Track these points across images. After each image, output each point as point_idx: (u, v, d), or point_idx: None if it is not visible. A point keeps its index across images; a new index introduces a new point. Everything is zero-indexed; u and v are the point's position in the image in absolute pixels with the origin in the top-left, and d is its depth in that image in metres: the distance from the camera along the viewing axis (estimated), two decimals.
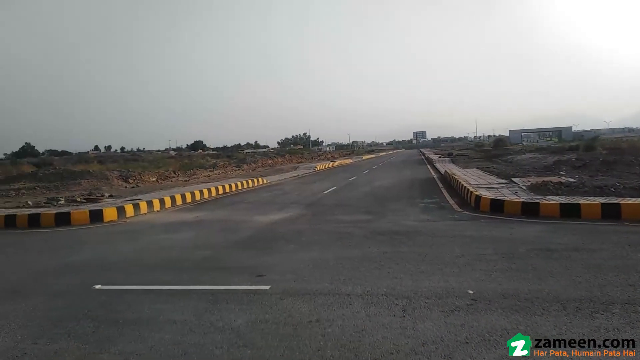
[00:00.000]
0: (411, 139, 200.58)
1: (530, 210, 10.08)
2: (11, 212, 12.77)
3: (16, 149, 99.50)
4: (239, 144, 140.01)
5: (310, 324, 4.27)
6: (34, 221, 11.74)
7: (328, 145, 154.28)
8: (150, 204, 13.87)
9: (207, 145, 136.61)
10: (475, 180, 16.45)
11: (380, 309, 4.60)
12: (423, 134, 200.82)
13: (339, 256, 6.92)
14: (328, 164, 44.05)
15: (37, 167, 32.00)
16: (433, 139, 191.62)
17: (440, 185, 18.61)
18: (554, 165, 20.56)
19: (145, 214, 13.19)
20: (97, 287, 5.82)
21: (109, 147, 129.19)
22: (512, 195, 11.73)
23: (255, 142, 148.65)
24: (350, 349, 3.70)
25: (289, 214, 11.93)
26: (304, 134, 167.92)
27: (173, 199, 15.15)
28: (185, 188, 18.98)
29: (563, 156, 25.34)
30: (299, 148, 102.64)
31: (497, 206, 10.78)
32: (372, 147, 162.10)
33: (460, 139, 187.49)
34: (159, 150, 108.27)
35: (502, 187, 13.60)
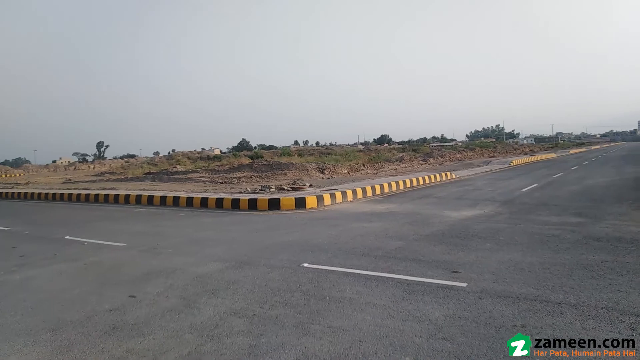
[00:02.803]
0: (635, 130, 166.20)
1: None
2: (235, 196, 15.36)
3: (235, 143, 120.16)
4: (424, 137, 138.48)
5: (515, 328, 4.00)
6: (252, 204, 13.91)
7: (525, 137, 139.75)
8: (344, 194, 14.91)
9: (393, 139, 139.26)
10: None
11: (601, 324, 4.02)
12: None
13: (545, 261, 6.25)
14: (526, 159, 39.90)
15: (252, 159, 37.55)
16: None
17: None
18: None
19: (339, 203, 14.24)
20: (306, 265, 6.58)
21: (306, 142, 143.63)
22: None
23: (442, 135, 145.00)
24: None
25: (483, 210, 11.28)
26: (497, 125, 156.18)
27: (364, 190, 15.95)
28: (374, 180, 19.74)
29: None
30: (491, 141, 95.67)
31: None
32: (582, 140, 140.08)
33: None
34: (348, 144, 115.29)
35: None
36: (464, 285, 5.30)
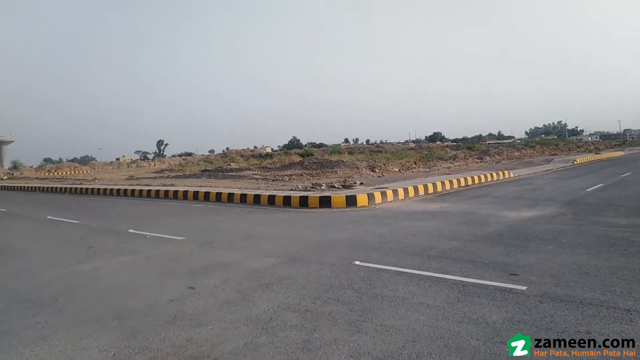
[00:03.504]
0: None
1: None
2: (287, 193, 15.62)
3: (286, 141, 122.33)
4: (480, 134, 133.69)
5: (579, 334, 3.79)
6: (303, 202, 14.09)
7: (590, 134, 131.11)
8: (395, 192, 14.73)
9: (446, 137, 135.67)
10: None
11: None
12: None
13: (613, 265, 5.87)
14: (590, 157, 37.52)
15: (302, 157, 37.96)
16: None
17: None
18: None
19: (390, 201, 14.08)
20: (357, 262, 6.57)
21: (356, 140, 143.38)
22: None
23: (499, 132, 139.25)
24: None
25: (544, 211, 10.74)
26: (559, 122, 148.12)
27: (416, 189, 15.67)
28: (426, 179, 19.35)
29: None
30: (552, 138, 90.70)
31: None
32: None
33: None
34: (399, 142, 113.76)
35: None
36: (524, 288, 5.08)
